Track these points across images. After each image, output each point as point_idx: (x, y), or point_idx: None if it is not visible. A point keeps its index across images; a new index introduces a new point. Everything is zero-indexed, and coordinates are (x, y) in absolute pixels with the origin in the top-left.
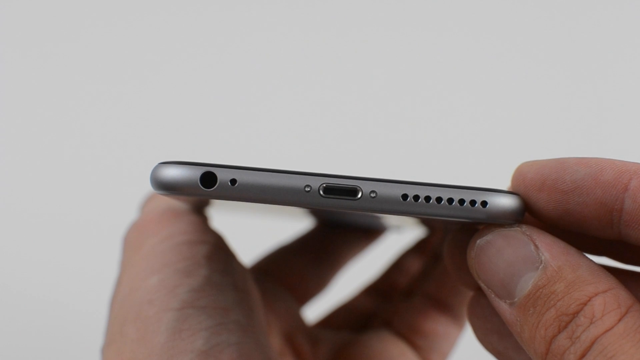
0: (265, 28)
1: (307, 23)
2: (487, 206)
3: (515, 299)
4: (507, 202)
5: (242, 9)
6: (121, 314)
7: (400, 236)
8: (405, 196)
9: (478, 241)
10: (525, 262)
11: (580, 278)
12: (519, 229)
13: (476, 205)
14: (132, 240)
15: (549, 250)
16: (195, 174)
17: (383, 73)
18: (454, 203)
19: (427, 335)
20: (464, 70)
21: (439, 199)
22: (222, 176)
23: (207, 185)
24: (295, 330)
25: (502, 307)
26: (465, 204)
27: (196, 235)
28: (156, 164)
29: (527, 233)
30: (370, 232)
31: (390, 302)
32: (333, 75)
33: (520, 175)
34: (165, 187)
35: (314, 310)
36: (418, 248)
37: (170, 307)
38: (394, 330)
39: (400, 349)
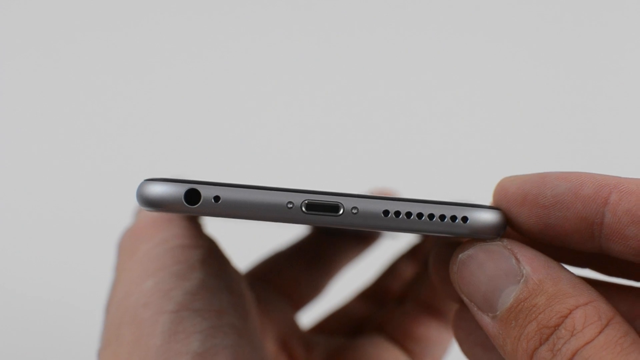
0: (251, 37)
1: (291, 35)
2: (468, 221)
3: (497, 312)
4: (487, 217)
5: (228, 23)
6: (117, 318)
7: (394, 242)
8: (386, 212)
9: (460, 255)
10: (506, 275)
11: (561, 291)
12: (500, 242)
13: (457, 220)
14: (126, 245)
15: (530, 264)
16: (179, 191)
17: (368, 85)
18: (434, 219)
19: (420, 341)
20: (453, 82)
21: (419, 215)
22: (206, 193)
23: (191, 202)
24: (290, 336)
25: (485, 320)
26: (445, 220)
27: (190, 240)
28: (141, 180)
29: (509, 247)
30: (365, 239)
31: (384, 308)
32: (320, 87)
33: (501, 190)
34: (151, 203)
35: (309, 316)
36: (412, 254)
37: (165, 309)
38: (387, 335)
39: (393, 354)
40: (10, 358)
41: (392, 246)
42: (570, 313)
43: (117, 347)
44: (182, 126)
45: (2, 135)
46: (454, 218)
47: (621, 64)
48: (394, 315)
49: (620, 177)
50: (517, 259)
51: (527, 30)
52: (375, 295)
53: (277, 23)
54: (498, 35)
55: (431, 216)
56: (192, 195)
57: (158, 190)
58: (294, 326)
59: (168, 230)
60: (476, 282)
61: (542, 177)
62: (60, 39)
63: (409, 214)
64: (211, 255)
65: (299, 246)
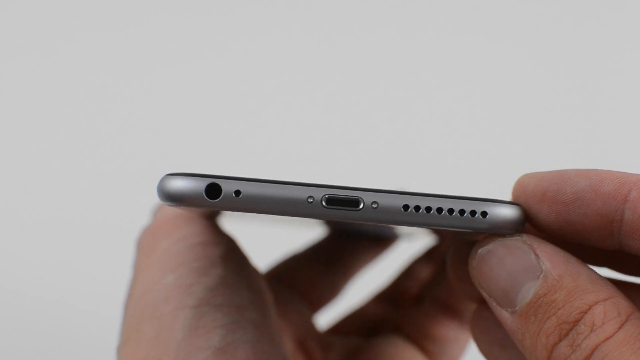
0: (265, 35)
1: (306, 31)
2: (487, 216)
3: (517, 308)
4: (507, 212)
5: (240, 17)
6: (137, 313)
7: (411, 244)
8: (406, 207)
9: (479, 250)
10: (526, 271)
11: (581, 287)
12: (519, 238)
13: (476, 215)
14: (146, 243)
15: (550, 259)
16: (200, 185)
17: (386, 80)
18: (454, 213)
19: (437, 340)
20: (467, 78)
21: (439, 210)
22: (227, 187)
23: (212, 196)
24: (307, 336)
25: (504, 315)
26: (465, 214)
27: (210, 237)
28: (163, 175)
29: (528, 242)
30: (382, 241)
31: (401, 309)
32: (336, 83)
33: (520, 187)
34: (172, 198)
35: (327, 317)
36: (428, 255)
37: (186, 304)
38: (404, 335)
39: (410, 353)
40: (10, 358)
41: (408, 249)
42: (589, 309)
43: (138, 342)
44: (189, 125)
45: (2, 135)
46: (473, 213)
47: (622, 64)
48: (411, 315)
49: None
50: (536, 255)
51: (547, 25)
52: (392, 296)
53: (292, 19)
54: (513, 32)
55: (451, 211)
56: (213, 190)
57: (179, 184)
58: (311, 327)
59: (187, 228)
60: (495, 277)
61: (562, 174)
62: (60, 39)
63: (428, 209)
64: (231, 253)
65: (316, 248)
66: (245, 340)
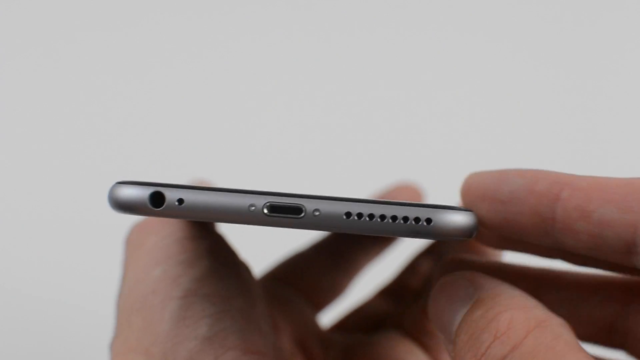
0: (228, 48)
1: (270, 45)
2: (432, 223)
3: (452, 337)
4: (453, 219)
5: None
6: (127, 306)
7: (416, 240)
8: (348, 214)
9: (431, 292)
10: (461, 301)
11: (497, 302)
12: (460, 274)
13: (420, 222)
14: (134, 238)
15: (482, 287)
16: (144, 193)
17: (376, 80)
18: (397, 220)
19: (435, 335)
20: (462, 78)
21: (382, 217)
22: (170, 196)
23: (156, 204)
24: (307, 335)
25: (449, 349)
26: (409, 222)
27: (197, 232)
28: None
29: (468, 277)
30: (386, 238)
31: (402, 304)
32: (324, 83)
33: (466, 185)
34: (120, 206)
35: (330, 314)
36: (431, 249)
37: (173, 295)
38: (403, 330)
39: (408, 348)
40: (10, 358)
41: (413, 243)
42: (495, 317)
43: (128, 333)
44: (183, 127)
45: (2, 135)
46: (417, 220)
47: (622, 63)
48: (410, 310)
49: (573, 175)
50: (473, 286)
51: (547, 25)
52: (395, 292)
53: (256, 37)
54: (513, 32)
55: (394, 218)
56: (157, 198)
57: (126, 193)
58: (312, 326)
59: (175, 224)
60: (440, 313)
61: (502, 174)
62: (60, 39)
63: (371, 216)
64: (218, 246)
65: (319, 246)
66: (233, 330)
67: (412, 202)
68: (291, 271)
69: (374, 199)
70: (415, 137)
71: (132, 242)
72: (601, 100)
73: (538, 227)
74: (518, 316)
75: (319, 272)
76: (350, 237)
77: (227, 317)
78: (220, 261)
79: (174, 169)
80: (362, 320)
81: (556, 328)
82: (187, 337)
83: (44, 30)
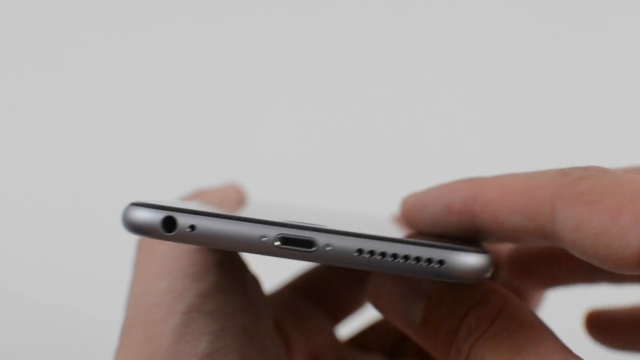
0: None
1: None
2: (445, 265)
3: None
4: (467, 261)
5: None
6: (131, 317)
7: None
8: (360, 251)
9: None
10: (417, 293)
11: (457, 297)
12: None
13: (432, 264)
14: (146, 243)
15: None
16: (157, 217)
17: (375, 81)
18: (409, 260)
19: None
20: (462, 79)
21: (394, 256)
22: (182, 222)
23: (168, 229)
24: (323, 350)
25: (409, 332)
26: (420, 262)
27: None
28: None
29: None
30: None
31: None
32: (323, 84)
33: (401, 209)
34: (133, 228)
35: (348, 327)
36: None
37: (176, 310)
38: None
39: None
40: (10, 358)
41: None
42: (466, 314)
43: (129, 346)
44: (182, 127)
45: (2, 135)
46: (429, 261)
47: (622, 63)
48: None
49: (486, 182)
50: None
51: (547, 25)
52: None
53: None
54: (513, 32)
55: (406, 257)
56: (169, 223)
57: (138, 215)
58: (329, 341)
59: None
60: (391, 302)
61: (424, 197)
62: (60, 39)
63: (383, 254)
64: (228, 259)
65: None
66: (233, 347)
67: (427, 241)
68: (311, 283)
69: (387, 236)
70: (415, 137)
71: (144, 247)
72: (601, 100)
73: (485, 235)
74: (482, 310)
75: (339, 284)
76: None
77: (228, 334)
78: (228, 275)
79: (174, 169)
80: (382, 339)
81: (515, 308)
82: (186, 353)
83: (44, 30)
